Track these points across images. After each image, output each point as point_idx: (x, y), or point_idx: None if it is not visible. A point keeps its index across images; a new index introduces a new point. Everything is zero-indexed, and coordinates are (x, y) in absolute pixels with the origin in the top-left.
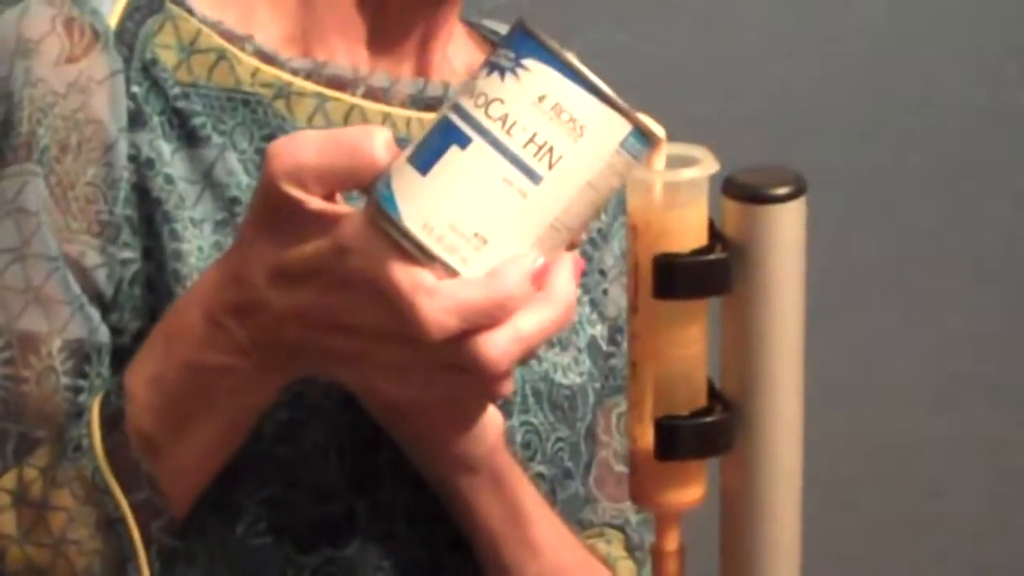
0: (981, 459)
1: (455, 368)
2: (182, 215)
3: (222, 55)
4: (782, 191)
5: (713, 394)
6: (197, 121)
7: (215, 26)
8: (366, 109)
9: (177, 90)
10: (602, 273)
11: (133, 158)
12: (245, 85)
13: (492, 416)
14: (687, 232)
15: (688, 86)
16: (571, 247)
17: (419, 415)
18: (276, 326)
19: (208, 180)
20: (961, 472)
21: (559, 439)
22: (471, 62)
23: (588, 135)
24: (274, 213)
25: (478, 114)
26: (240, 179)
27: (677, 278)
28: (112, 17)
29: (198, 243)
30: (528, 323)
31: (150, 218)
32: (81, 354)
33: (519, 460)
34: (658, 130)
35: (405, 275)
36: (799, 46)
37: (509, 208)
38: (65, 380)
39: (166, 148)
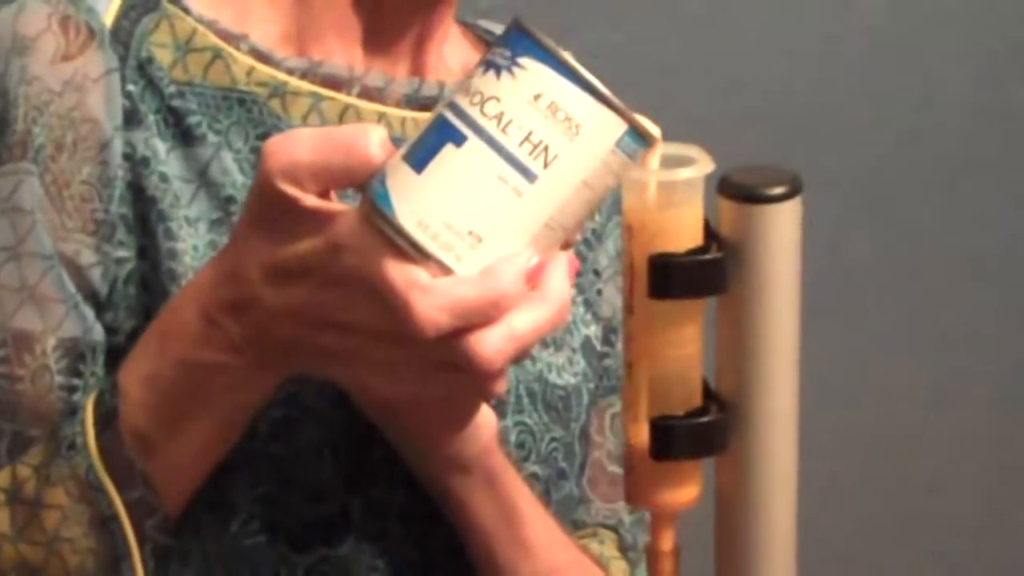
0: (978, 457)
1: (449, 366)
2: (177, 214)
3: (218, 54)
4: (778, 191)
5: (708, 394)
6: (192, 120)
7: (211, 25)
8: (361, 109)
9: (172, 89)
10: (596, 273)
11: (128, 156)
12: (240, 84)
13: (485, 416)
14: (683, 232)
15: (684, 85)
16: (566, 246)
17: (413, 414)
18: (270, 323)
19: (203, 179)
20: (958, 470)
21: (553, 439)
22: (466, 62)
23: (584, 134)
24: (269, 210)
25: (474, 112)
26: (235, 178)
27: (673, 278)
28: (108, 15)
29: (193, 242)
30: (522, 322)
31: (145, 217)
32: (76, 353)
33: (513, 460)
34: (654, 130)
35: (399, 273)
36: (795, 45)
37: (504, 206)
38: (59, 379)
39: (161, 147)
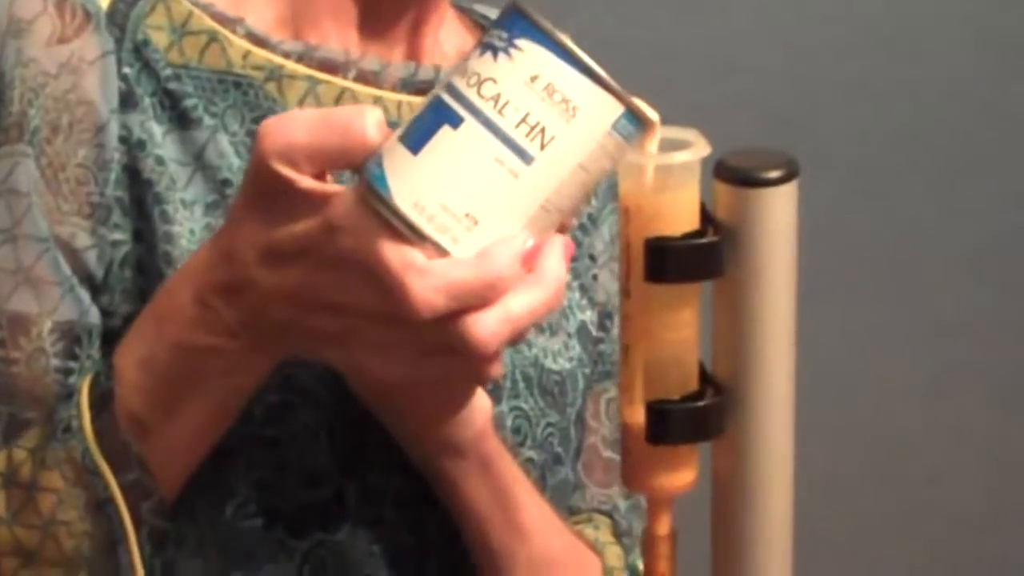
0: (977, 448)
1: (444, 349)
2: (173, 197)
3: (213, 37)
4: (774, 174)
5: (705, 378)
6: (188, 103)
7: (207, 8)
8: (357, 92)
9: (168, 71)
10: (592, 258)
11: (124, 139)
12: (236, 67)
13: (481, 401)
14: (679, 215)
15: (679, 69)
16: (562, 230)
17: (408, 397)
18: (265, 305)
19: (199, 162)
20: (956, 460)
21: (549, 424)
22: (462, 46)
23: (580, 116)
24: (265, 192)
25: (470, 94)
26: (231, 161)
27: (669, 261)
28: None
29: (189, 225)
30: (518, 304)
31: (141, 200)
32: (71, 336)
33: (509, 446)
34: (651, 113)
35: (395, 254)
36: (792, 29)
37: (500, 188)
38: (55, 362)
39: (157, 130)
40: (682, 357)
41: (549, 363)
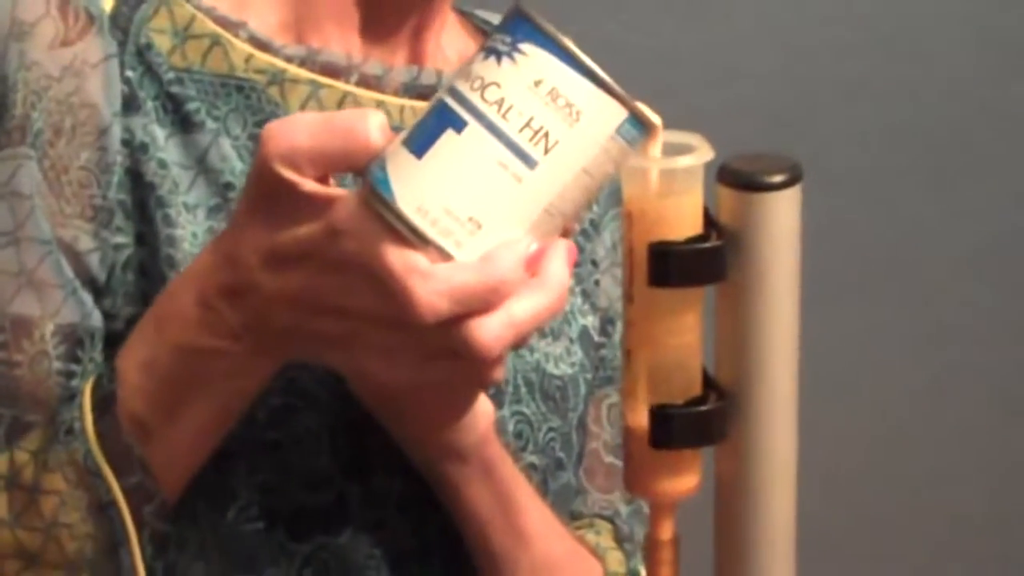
0: (977, 448)
1: (447, 352)
2: (176, 200)
3: (216, 41)
4: (777, 179)
5: (708, 382)
6: (191, 106)
7: (209, 12)
8: (359, 97)
9: (171, 75)
10: (594, 264)
11: (127, 143)
12: (239, 71)
13: (483, 405)
14: (682, 220)
15: (683, 74)
16: (564, 234)
17: (410, 401)
18: (268, 309)
19: (202, 166)
20: (957, 461)
21: (551, 429)
22: (464, 51)
23: (584, 120)
24: (268, 195)
25: (474, 98)
26: (234, 165)
27: (672, 266)
28: (107, 1)
29: (192, 229)
30: (521, 308)
31: (143, 203)
32: (74, 338)
33: (511, 450)
34: (654, 117)
35: (398, 258)
36: (795, 33)
37: (504, 192)
38: (58, 364)
39: (160, 133)
40: (685, 361)
41: (551, 368)
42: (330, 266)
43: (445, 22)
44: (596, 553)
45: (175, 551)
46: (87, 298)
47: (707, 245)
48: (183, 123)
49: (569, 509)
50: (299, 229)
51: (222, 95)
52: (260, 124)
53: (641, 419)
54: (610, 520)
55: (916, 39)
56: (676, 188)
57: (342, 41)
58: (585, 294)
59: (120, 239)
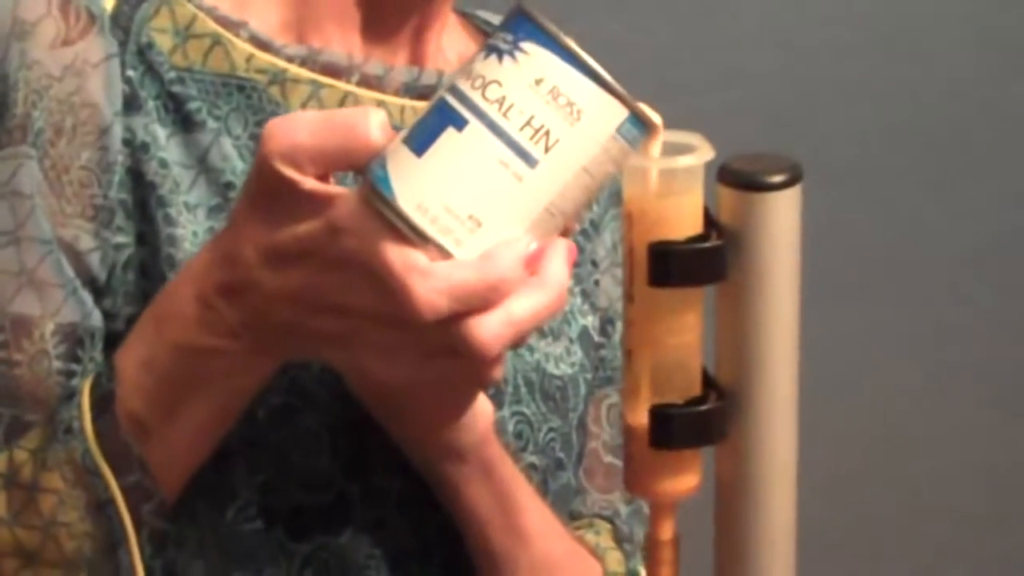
0: (977, 448)
1: (446, 351)
2: (176, 200)
3: (217, 40)
4: (778, 179)
5: (708, 382)
6: (192, 106)
7: (211, 11)
8: (360, 96)
9: (172, 75)
10: (594, 264)
11: (128, 142)
12: (240, 71)
13: (482, 405)
14: (682, 220)
15: (683, 73)
16: (564, 233)
17: (410, 400)
18: (267, 307)
19: (203, 165)
20: (957, 461)
21: (551, 429)
22: (464, 52)
23: (585, 119)
24: (268, 193)
25: (475, 96)
26: (235, 164)
27: (672, 266)
28: (108, 1)
29: (192, 228)
30: (520, 307)
31: (144, 203)
32: (74, 338)
33: (511, 450)
34: (655, 117)
35: (398, 256)
36: (795, 33)
37: (504, 191)
38: (58, 364)
39: (161, 132)
40: (685, 361)
41: (551, 368)
42: (330, 264)
43: (446, 23)
44: (596, 553)
45: (174, 550)
46: (87, 298)
47: (707, 245)
48: (184, 122)
49: (569, 509)
50: (299, 227)
51: (223, 95)
52: (261, 124)
53: (641, 419)
54: (610, 520)
55: (916, 39)
56: (676, 188)
57: (343, 41)
58: (585, 294)
59: (121, 239)
